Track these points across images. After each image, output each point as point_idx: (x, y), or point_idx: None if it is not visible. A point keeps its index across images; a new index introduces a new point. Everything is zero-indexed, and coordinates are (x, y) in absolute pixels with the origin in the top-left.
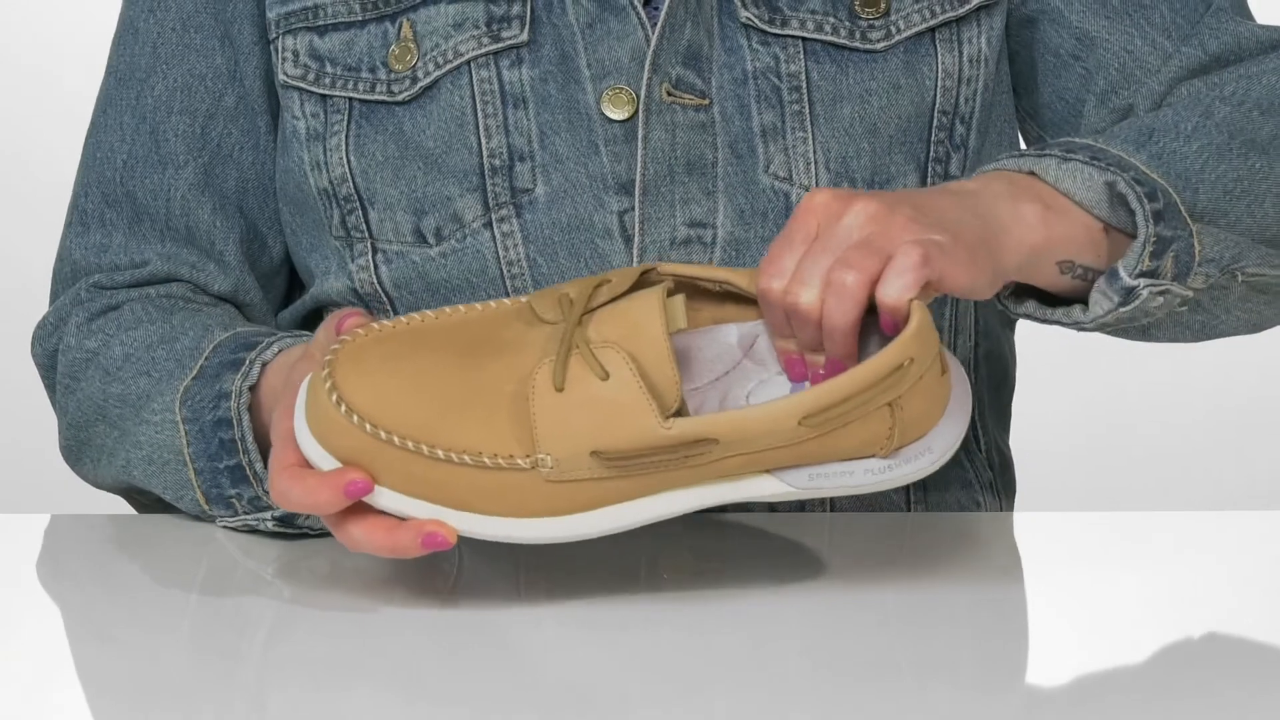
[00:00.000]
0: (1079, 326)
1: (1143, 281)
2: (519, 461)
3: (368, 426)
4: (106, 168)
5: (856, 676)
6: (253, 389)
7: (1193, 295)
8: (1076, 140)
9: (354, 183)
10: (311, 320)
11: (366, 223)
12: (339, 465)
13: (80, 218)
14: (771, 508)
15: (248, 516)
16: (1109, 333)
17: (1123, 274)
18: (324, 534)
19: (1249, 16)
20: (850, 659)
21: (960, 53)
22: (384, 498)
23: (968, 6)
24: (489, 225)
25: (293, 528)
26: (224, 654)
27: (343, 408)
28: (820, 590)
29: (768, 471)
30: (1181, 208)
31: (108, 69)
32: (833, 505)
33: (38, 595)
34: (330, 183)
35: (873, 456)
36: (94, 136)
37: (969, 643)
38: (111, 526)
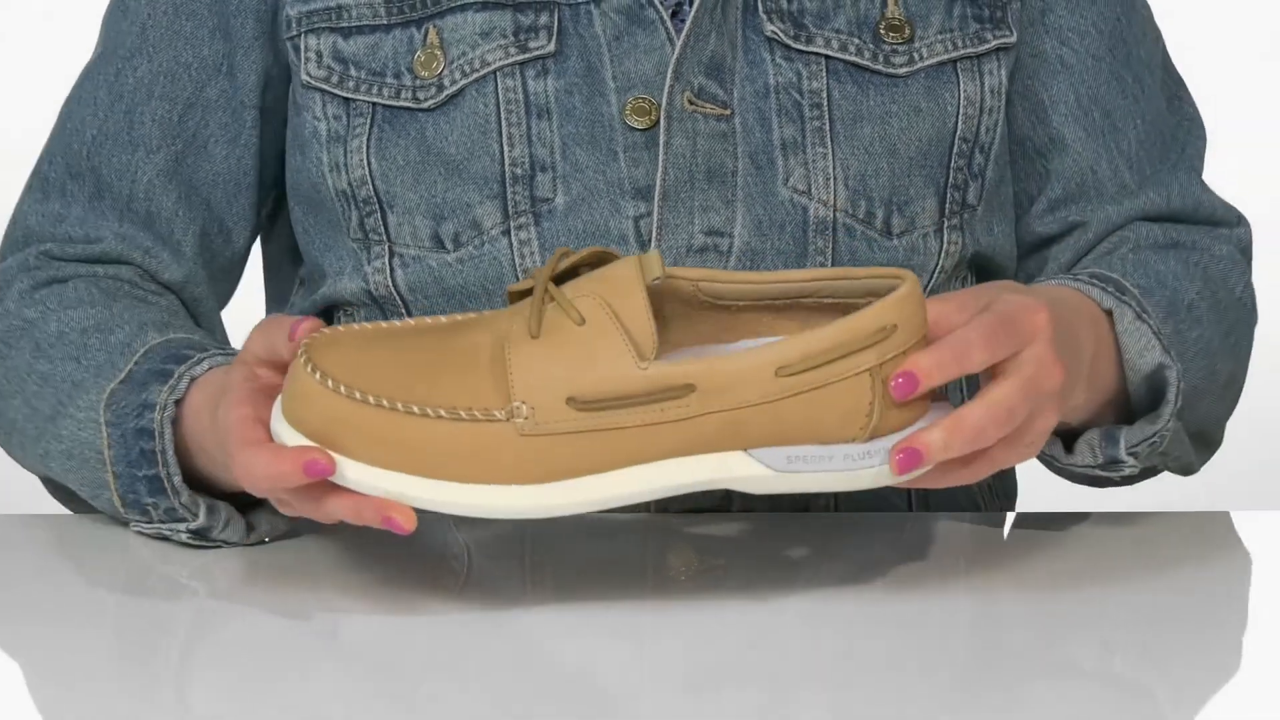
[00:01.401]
0: (1051, 464)
1: (1129, 459)
2: (495, 413)
3: (342, 388)
4: (74, 139)
5: (858, 675)
6: (179, 402)
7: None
8: (1133, 291)
9: (374, 186)
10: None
11: (385, 226)
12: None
13: (41, 184)
14: (774, 506)
15: (162, 525)
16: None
17: (1122, 445)
18: (237, 545)
19: (1206, 186)
20: (851, 657)
21: (982, 83)
22: (351, 471)
23: (986, 46)
24: (507, 233)
25: (206, 540)
26: (148, 654)
27: (317, 375)
28: (822, 589)
29: (746, 451)
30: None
31: (97, 40)
32: (836, 505)
33: None
34: (349, 185)
35: (853, 441)
36: (68, 106)
37: (968, 642)
38: (36, 528)
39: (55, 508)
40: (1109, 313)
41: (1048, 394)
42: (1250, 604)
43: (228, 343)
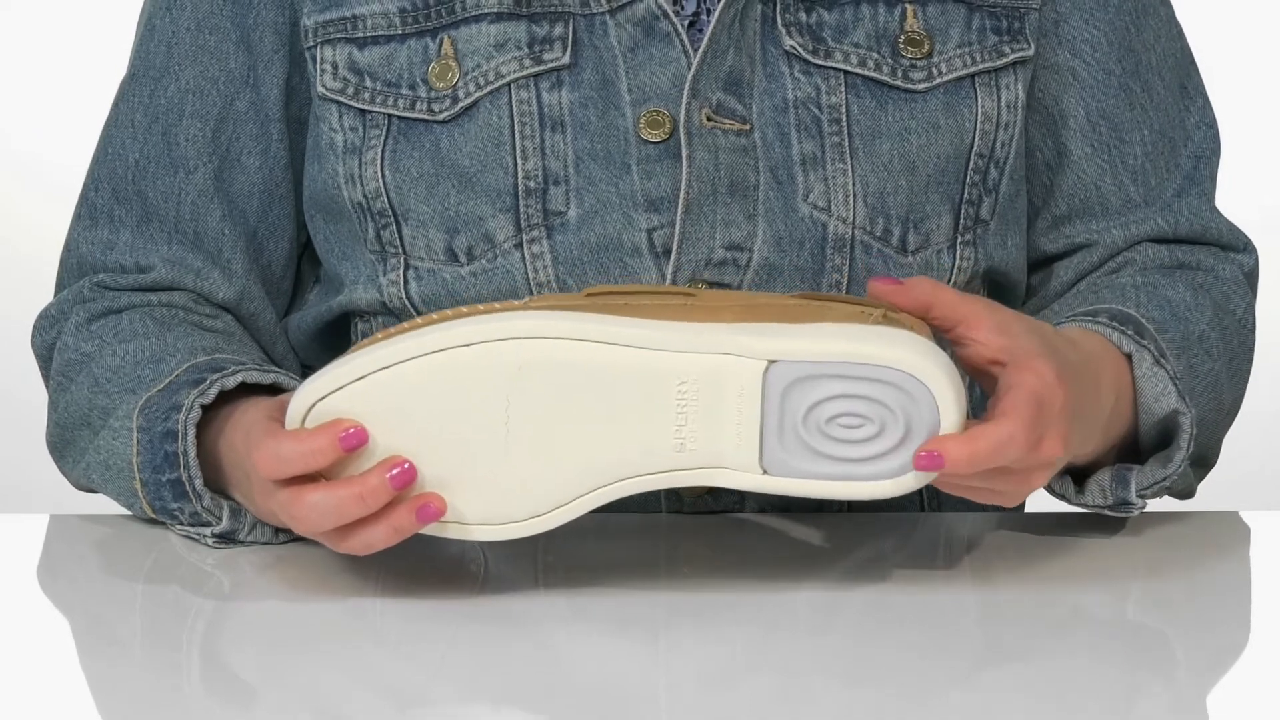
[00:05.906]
0: (1064, 498)
1: (1139, 500)
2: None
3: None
4: (118, 164)
5: (869, 668)
6: (207, 408)
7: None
8: (1151, 332)
9: (388, 198)
10: (337, 326)
11: (400, 238)
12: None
13: (90, 211)
14: (786, 507)
15: (190, 529)
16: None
17: (1133, 487)
18: (265, 544)
19: (1216, 210)
20: (863, 651)
21: (999, 98)
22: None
23: (1004, 60)
24: (520, 246)
25: (235, 544)
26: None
27: None
28: (835, 585)
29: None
30: None
31: (129, 61)
32: (850, 505)
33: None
34: (365, 197)
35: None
36: (108, 130)
37: (976, 638)
38: (86, 527)
39: (101, 510)
40: (1128, 356)
41: (1044, 461)
42: (1258, 604)
43: (292, 353)
